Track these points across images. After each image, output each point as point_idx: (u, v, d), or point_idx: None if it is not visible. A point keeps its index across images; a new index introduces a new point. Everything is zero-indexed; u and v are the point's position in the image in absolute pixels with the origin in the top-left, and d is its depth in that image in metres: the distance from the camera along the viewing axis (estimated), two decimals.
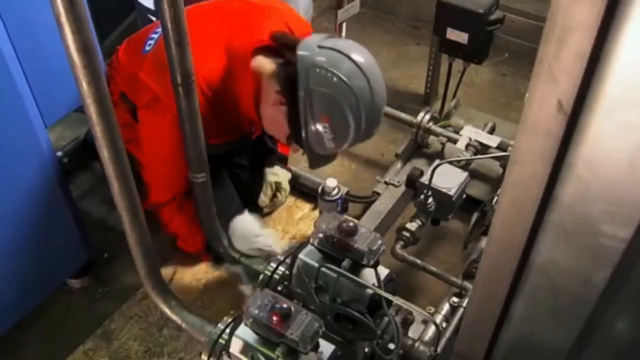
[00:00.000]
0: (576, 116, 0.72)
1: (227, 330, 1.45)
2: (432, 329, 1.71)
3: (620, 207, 0.75)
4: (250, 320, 1.31)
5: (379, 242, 1.45)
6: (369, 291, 1.41)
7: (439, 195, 1.91)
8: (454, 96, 2.59)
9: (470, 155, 2.22)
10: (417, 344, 1.57)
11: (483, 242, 2.00)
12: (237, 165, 2.21)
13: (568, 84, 0.70)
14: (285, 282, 1.57)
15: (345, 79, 1.62)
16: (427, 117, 2.39)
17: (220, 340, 1.45)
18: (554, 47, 0.69)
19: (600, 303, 0.86)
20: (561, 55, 0.69)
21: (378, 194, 2.33)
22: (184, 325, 1.69)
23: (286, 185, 2.31)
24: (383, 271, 1.48)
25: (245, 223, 2.04)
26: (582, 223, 0.80)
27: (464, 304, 1.78)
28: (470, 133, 2.29)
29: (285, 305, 1.29)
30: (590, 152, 0.74)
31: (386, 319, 1.44)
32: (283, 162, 2.36)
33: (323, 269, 1.43)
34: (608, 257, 0.80)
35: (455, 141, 2.31)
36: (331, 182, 2.12)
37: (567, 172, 0.77)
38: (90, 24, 1.11)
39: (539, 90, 0.73)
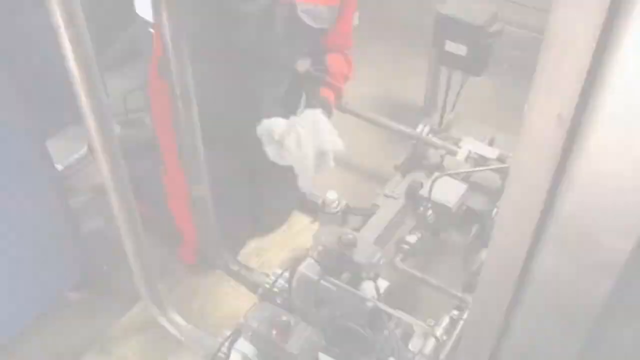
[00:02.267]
0: (576, 128, 0.72)
1: (227, 344, 1.44)
2: (432, 342, 1.70)
3: (622, 218, 0.75)
4: (250, 333, 1.30)
5: (379, 254, 1.45)
6: (369, 304, 1.41)
7: (438, 207, 1.90)
8: (453, 108, 2.59)
9: (470, 168, 2.22)
10: (417, 358, 1.56)
11: (483, 254, 1.99)
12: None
13: (568, 96, 0.70)
14: (285, 295, 1.56)
15: None
16: (427, 129, 2.39)
17: (220, 353, 1.44)
18: (554, 59, 0.69)
19: (602, 315, 0.86)
20: (561, 67, 0.68)
21: (377, 206, 2.32)
22: (182, 338, 1.68)
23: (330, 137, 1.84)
24: (383, 284, 1.48)
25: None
26: (583, 234, 0.80)
27: (464, 317, 1.78)
28: (470, 145, 2.29)
29: (284, 319, 1.29)
30: (591, 164, 0.74)
31: (386, 332, 1.43)
32: (326, 109, 1.91)
33: (322, 282, 1.43)
34: (610, 269, 0.80)
35: (454, 153, 2.31)
36: (332, 195, 2.11)
37: (567, 184, 0.77)
38: (88, 38, 1.12)
39: (539, 102, 0.73)
